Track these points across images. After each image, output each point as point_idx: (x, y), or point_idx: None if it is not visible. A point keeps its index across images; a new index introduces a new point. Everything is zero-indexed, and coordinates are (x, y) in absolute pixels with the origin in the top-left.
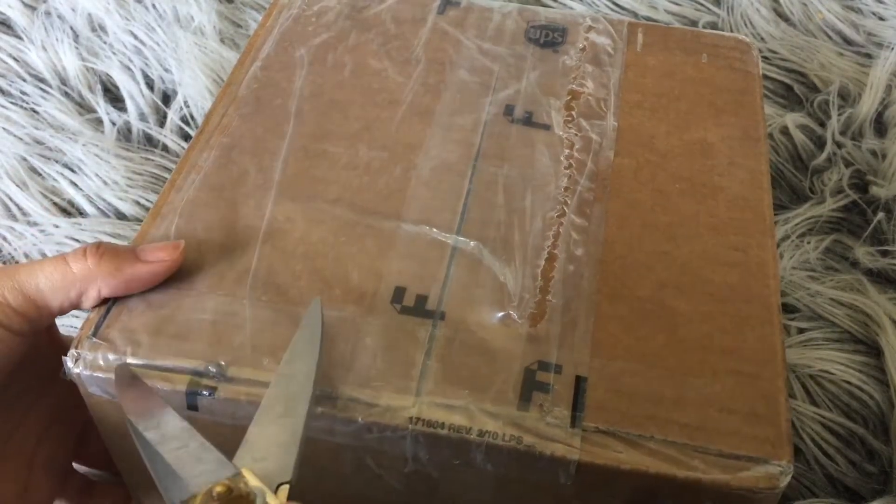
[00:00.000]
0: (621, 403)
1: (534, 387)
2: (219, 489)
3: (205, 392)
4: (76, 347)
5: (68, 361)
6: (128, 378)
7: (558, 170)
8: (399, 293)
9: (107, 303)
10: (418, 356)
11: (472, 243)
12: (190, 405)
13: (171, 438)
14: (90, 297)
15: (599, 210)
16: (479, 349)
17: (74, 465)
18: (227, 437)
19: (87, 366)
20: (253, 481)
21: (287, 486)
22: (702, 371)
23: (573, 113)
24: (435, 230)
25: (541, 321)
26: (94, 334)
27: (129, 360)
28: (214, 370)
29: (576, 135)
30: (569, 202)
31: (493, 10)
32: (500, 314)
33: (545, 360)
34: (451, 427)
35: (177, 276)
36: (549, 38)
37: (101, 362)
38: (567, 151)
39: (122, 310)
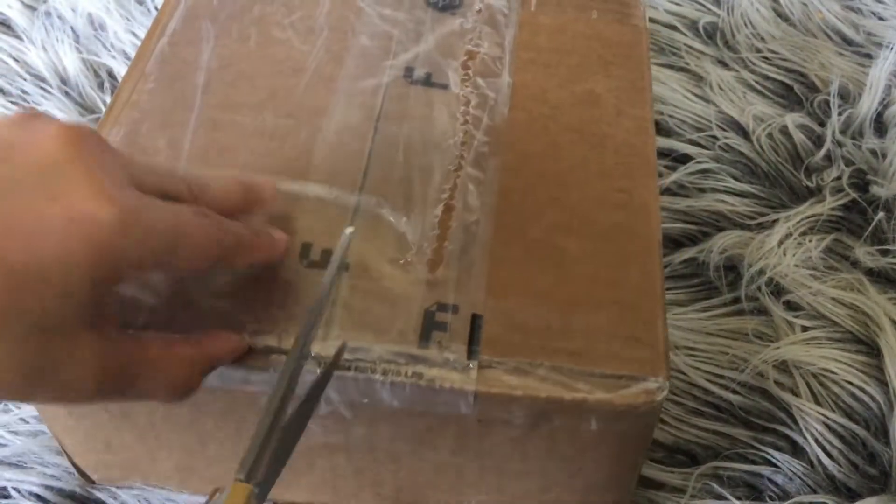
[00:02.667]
0: (514, 336)
1: (433, 326)
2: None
3: None
4: None
5: None
6: None
7: (456, 126)
8: (306, 249)
9: None
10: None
11: (373, 199)
12: None
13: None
14: None
15: (495, 162)
16: (381, 295)
17: None
18: None
19: None
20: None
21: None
22: (587, 303)
23: (470, 72)
24: (338, 189)
25: (439, 267)
26: None
27: None
28: None
29: (472, 92)
30: (465, 156)
31: None
32: (401, 262)
33: (443, 301)
34: (356, 368)
35: None
36: (447, 2)
37: None
38: (464, 108)
39: None
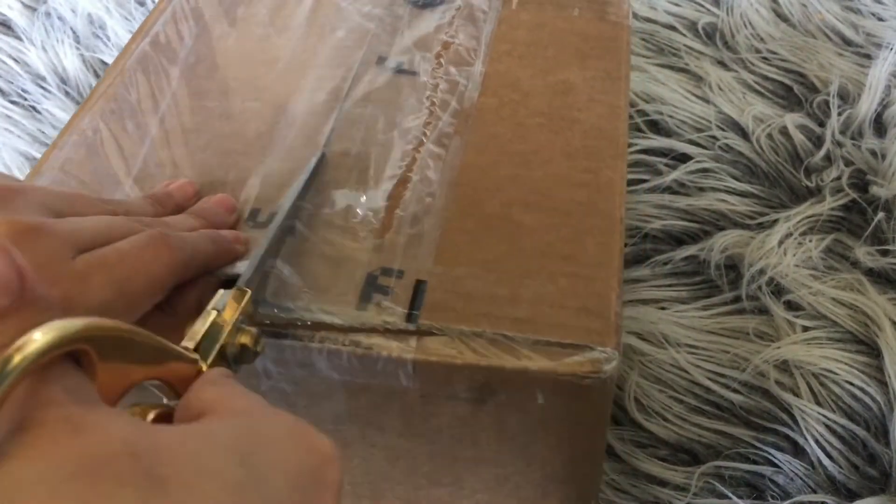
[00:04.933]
0: (458, 303)
1: (374, 289)
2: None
3: None
4: None
5: None
6: None
7: (422, 108)
8: (254, 213)
9: None
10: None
11: (328, 170)
12: None
13: None
14: None
15: (458, 141)
16: (324, 257)
17: None
18: None
19: None
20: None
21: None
22: (539, 273)
23: (442, 60)
24: (294, 162)
25: (387, 233)
26: None
27: None
28: None
29: (443, 79)
30: (428, 134)
31: None
32: (349, 227)
33: (388, 266)
34: (293, 336)
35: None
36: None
37: None
38: (431, 93)
39: None
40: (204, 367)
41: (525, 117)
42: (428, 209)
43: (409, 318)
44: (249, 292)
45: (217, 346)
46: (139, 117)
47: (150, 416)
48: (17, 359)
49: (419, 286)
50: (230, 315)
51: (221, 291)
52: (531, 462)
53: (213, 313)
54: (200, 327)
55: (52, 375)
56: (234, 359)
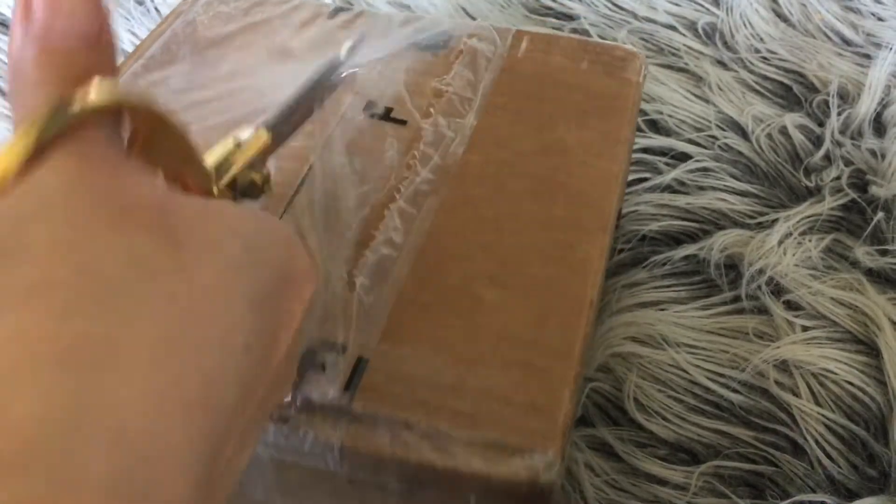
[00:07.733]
0: (396, 387)
1: (311, 365)
2: None
3: None
4: None
5: None
6: None
7: (402, 162)
8: None
9: None
10: None
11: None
12: None
13: None
14: None
15: (433, 201)
16: None
17: None
18: None
19: None
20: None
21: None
22: (491, 361)
23: (432, 110)
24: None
25: (338, 300)
26: None
27: None
28: None
29: (430, 130)
30: (402, 190)
31: (379, 16)
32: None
33: (331, 339)
34: None
35: None
36: (431, 42)
37: None
38: (414, 145)
39: None
40: (215, 189)
41: (508, 178)
42: (385, 276)
43: (343, 399)
44: (269, 135)
45: (231, 172)
46: None
47: None
48: (76, 107)
49: (360, 364)
50: (249, 151)
51: (249, 129)
52: None
53: (233, 141)
54: (219, 150)
55: (96, 132)
56: (241, 191)
